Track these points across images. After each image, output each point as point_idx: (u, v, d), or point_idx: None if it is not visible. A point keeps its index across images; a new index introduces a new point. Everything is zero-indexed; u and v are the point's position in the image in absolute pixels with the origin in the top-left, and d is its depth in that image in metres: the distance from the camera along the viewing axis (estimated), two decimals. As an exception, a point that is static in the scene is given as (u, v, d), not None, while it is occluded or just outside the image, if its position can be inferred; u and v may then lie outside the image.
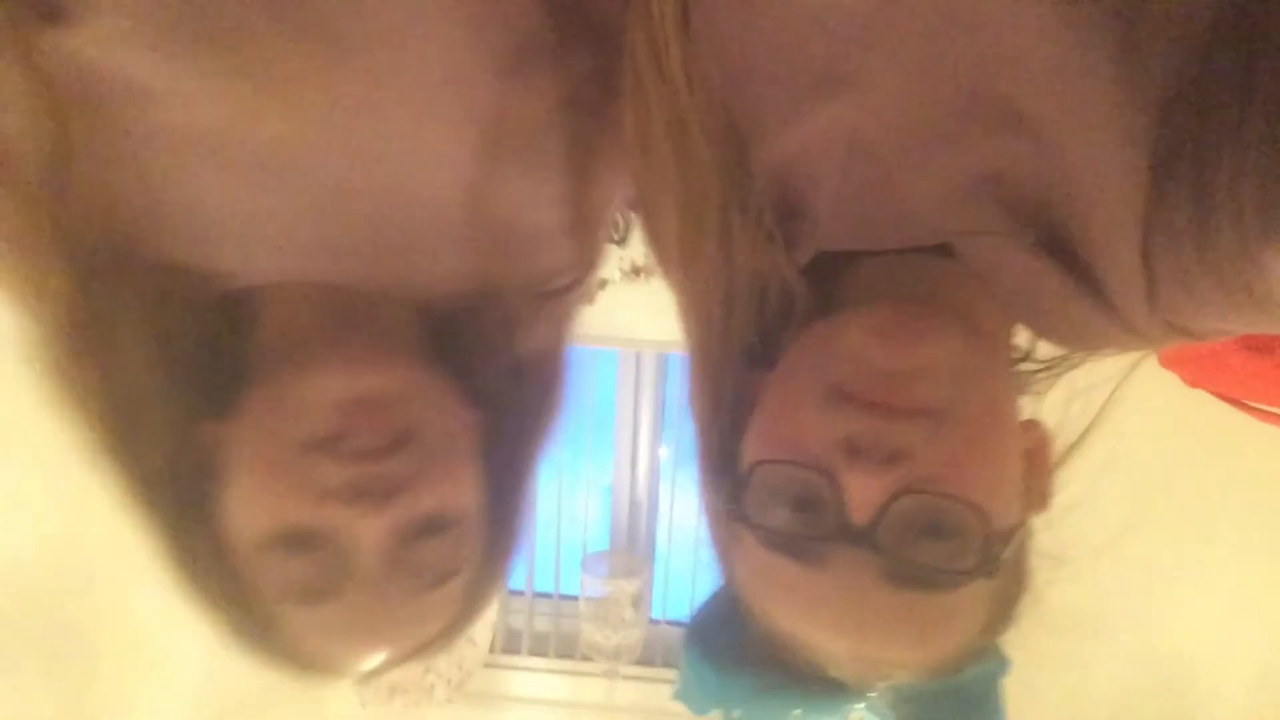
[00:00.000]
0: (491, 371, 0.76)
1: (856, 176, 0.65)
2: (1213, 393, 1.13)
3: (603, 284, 2.37)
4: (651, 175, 0.68)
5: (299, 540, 0.63)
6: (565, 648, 2.73)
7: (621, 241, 2.35)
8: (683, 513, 2.73)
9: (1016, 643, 0.67)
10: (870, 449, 0.57)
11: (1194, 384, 1.15)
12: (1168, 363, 1.15)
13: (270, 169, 0.65)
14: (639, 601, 2.52)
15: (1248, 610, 2.37)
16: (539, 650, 2.76)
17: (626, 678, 2.62)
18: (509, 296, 0.75)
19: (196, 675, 2.75)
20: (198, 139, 0.62)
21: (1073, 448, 0.69)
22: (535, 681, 2.75)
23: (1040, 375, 0.72)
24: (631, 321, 2.33)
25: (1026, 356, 0.72)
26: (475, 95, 0.67)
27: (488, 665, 2.71)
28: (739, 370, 0.70)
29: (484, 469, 0.72)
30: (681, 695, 0.75)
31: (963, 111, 0.60)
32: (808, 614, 0.61)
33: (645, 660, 2.64)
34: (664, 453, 2.76)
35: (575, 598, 2.59)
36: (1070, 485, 0.68)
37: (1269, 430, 1.15)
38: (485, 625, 2.62)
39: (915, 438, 0.57)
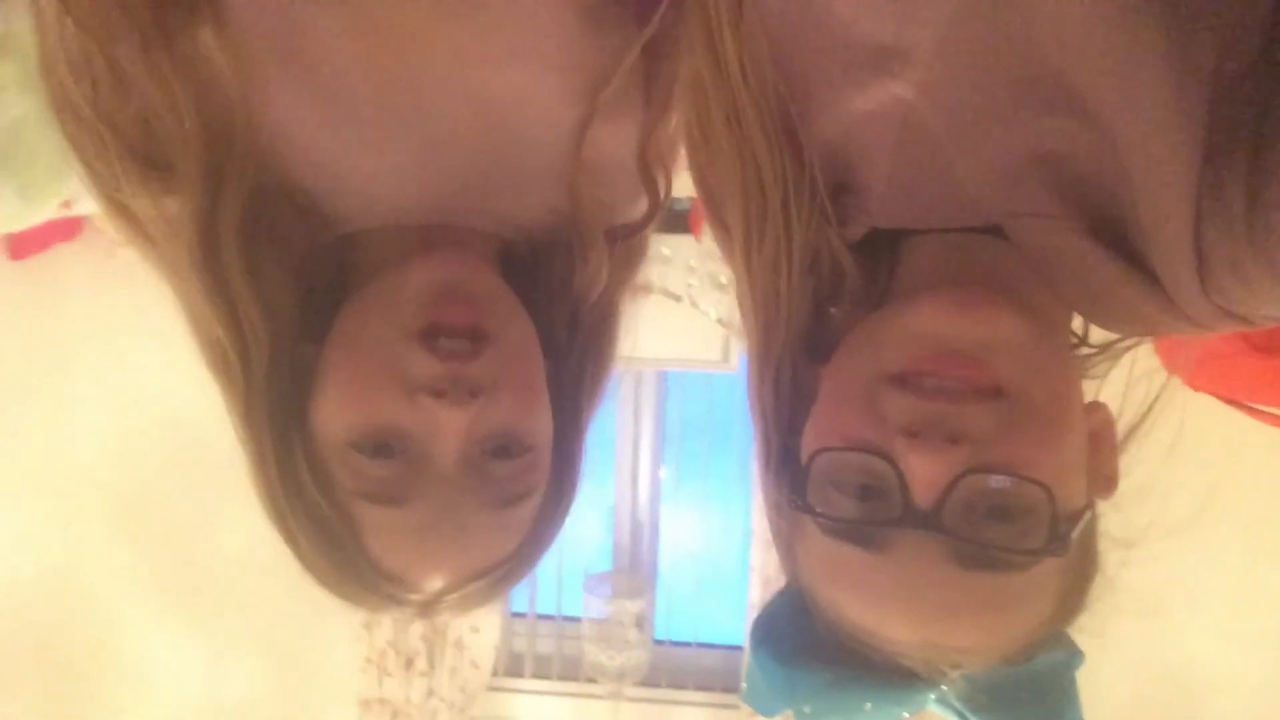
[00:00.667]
0: (555, 316, 0.79)
1: (910, 154, 0.65)
2: (1215, 395, 1.13)
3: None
4: (713, 165, 0.69)
5: (384, 439, 0.66)
6: (569, 669, 2.71)
7: (620, 260, 2.37)
8: (685, 532, 2.72)
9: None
10: (931, 430, 0.56)
11: (1195, 387, 1.15)
12: (1172, 366, 1.14)
13: (395, 120, 0.70)
14: (642, 622, 2.51)
15: (1251, 619, 2.36)
16: (542, 672, 2.74)
17: (630, 699, 2.60)
18: (585, 234, 0.77)
19: (191, 700, 2.73)
20: (334, 94, 0.68)
21: (1134, 432, 0.69)
22: (539, 704, 2.73)
23: (1096, 359, 0.71)
24: (631, 340, 2.32)
25: (1082, 340, 0.71)
26: (573, 44, 0.70)
27: (491, 688, 2.70)
28: (798, 363, 0.70)
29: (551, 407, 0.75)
30: (749, 697, 0.73)
31: (1016, 91, 0.59)
32: (875, 601, 0.61)
33: (649, 681, 2.62)
34: (665, 472, 2.75)
35: (578, 619, 2.58)
36: (1133, 471, 0.67)
37: (1271, 433, 1.14)
38: (488, 648, 2.61)
39: (978, 420, 0.57)
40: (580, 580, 2.60)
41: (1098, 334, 0.71)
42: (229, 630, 2.71)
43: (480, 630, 2.59)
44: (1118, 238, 0.60)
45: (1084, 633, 0.69)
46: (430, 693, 2.63)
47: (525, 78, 0.70)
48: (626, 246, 0.82)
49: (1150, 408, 0.67)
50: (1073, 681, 0.68)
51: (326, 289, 0.74)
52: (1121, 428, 0.68)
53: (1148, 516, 0.68)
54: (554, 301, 0.79)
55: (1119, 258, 0.60)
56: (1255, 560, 2.32)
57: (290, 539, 0.69)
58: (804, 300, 0.69)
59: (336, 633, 2.63)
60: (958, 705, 0.67)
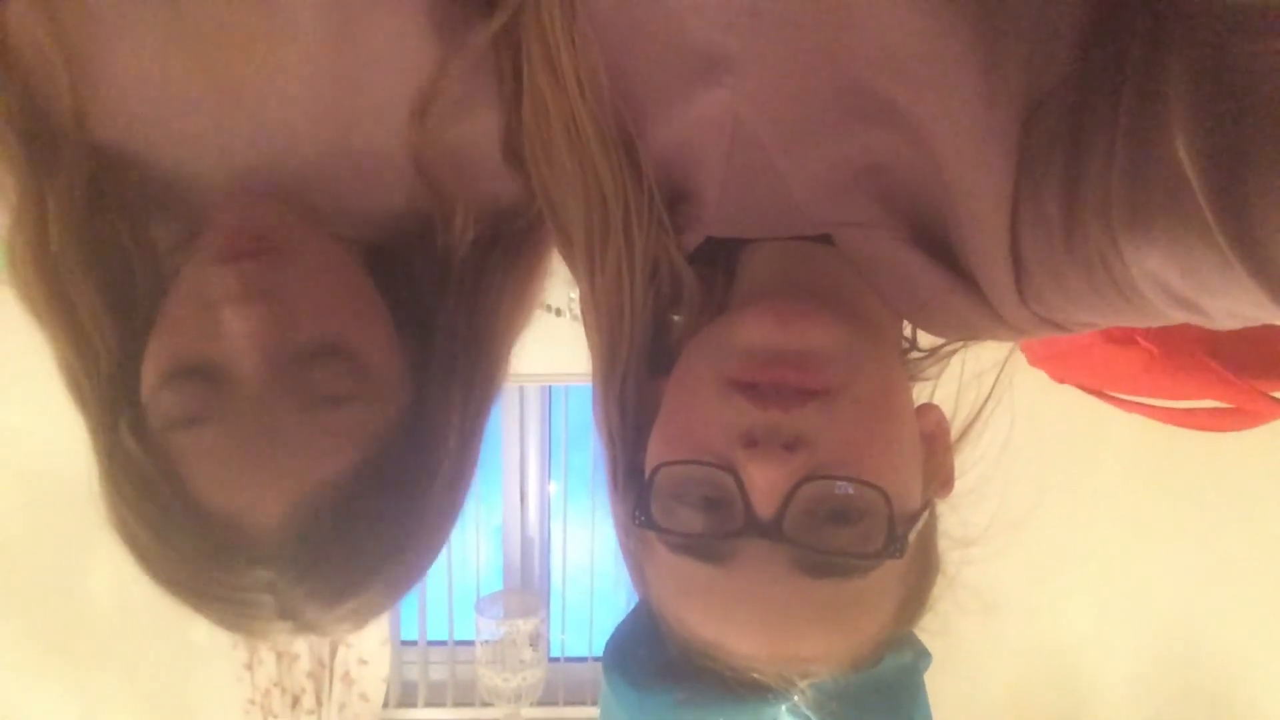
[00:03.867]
0: (416, 280, 0.76)
1: (740, 163, 0.65)
2: (1078, 386, 1.18)
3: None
4: (554, 178, 0.69)
5: (191, 366, 0.64)
6: (463, 695, 2.66)
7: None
8: (576, 547, 2.70)
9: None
10: (768, 438, 0.56)
11: (1060, 380, 1.20)
12: (1036, 361, 1.19)
13: (229, 125, 0.70)
14: (537, 640, 2.48)
15: (1125, 596, 2.48)
16: (436, 700, 2.68)
17: (528, 719, 2.56)
18: (449, 204, 0.75)
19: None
20: (166, 97, 0.67)
21: (967, 432, 0.71)
22: (434, 732, 2.67)
23: (926, 362, 0.73)
24: (515, 356, 2.30)
25: (912, 345, 0.73)
26: (414, 45, 0.68)
27: (383, 720, 2.62)
28: (641, 377, 0.70)
29: (404, 346, 0.72)
30: (604, 716, 0.73)
31: (840, 102, 0.61)
32: (722, 615, 0.61)
33: (547, 700, 2.60)
34: (554, 488, 2.73)
35: (471, 643, 2.53)
36: (970, 471, 0.69)
37: (1134, 421, 1.20)
38: (377, 680, 2.54)
39: (812, 423, 0.57)
40: (471, 603, 2.55)
41: (927, 338, 0.73)
42: (102, 681, 2.56)
43: (369, 662, 2.52)
44: (941, 247, 0.62)
45: (940, 635, 0.71)
46: (320, 730, 2.54)
47: (366, 80, 0.69)
48: (515, 242, 0.80)
49: (982, 407, 0.69)
50: (920, 683, 0.71)
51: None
52: (956, 427, 0.70)
53: (1000, 509, 0.70)
54: (418, 268, 0.77)
55: (941, 266, 0.62)
56: (1124, 544, 2.44)
57: (124, 529, 0.65)
58: (646, 313, 0.69)
59: (215, 676, 2.52)
60: (809, 715, 0.67)
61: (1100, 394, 1.18)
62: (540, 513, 2.73)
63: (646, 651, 0.68)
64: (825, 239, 0.67)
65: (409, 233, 0.77)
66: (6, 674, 2.55)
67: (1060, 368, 1.17)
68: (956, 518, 0.69)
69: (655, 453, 0.64)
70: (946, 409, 0.70)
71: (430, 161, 0.72)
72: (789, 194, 0.66)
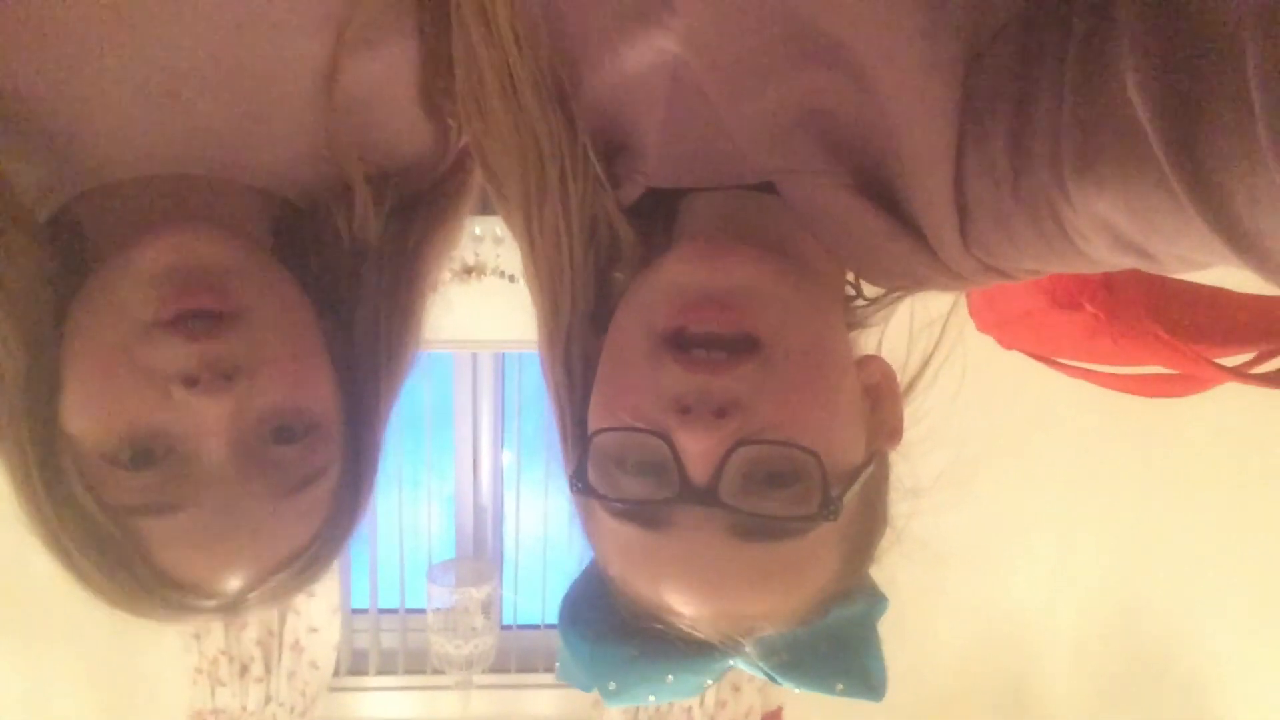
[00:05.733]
0: (332, 269, 0.73)
1: (680, 109, 0.64)
2: (1026, 353, 1.19)
3: (433, 286, 2.31)
4: (490, 137, 0.67)
5: (142, 444, 0.60)
6: (415, 663, 2.65)
7: (450, 242, 2.31)
8: (529, 516, 2.70)
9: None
10: (700, 404, 0.56)
11: (1008, 346, 1.21)
12: (984, 327, 1.19)
13: (124, 66, 0.63)
14: (489, 608, 2.47)
15: (1069, 564, 2.53)
16: (388, 668, 2.67)
17: (480, 686, 2.57)
18: (359, 187, 0.72)
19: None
20: (52, 38, 0.61)
21: (917, 381, 0.70)
22: (386, 700, 2.66)
23: (871, 310, 0.72)
24: (465, 322, 2.28)
25: (858, 294, 0.73)
26: None
27: (334, 689, 2.61)
28: (586, 337, 0.69)
29: (338, 376, 0.69)
30: (562, 674, 0.75)
31: (782, 45, 0.60)
32: (661, 579, 0.61)
33: (499, 667, 2.60)
34: (507, 456, 2.72)
35: (423, 611, 2.52)
36: (923, 421, 0.69)
37: (1080, 387, 1.21)
38: (327, 648, 2.52)
39: (744, 386, 0.57)
40: (423, 571, 2.54)
41: (872, 288, 0.73)
42: (48, 654, 2.52)
43: (319, 630, 2.50)
44: (885, 193, 0.62)
45: (888, 596, 0.71)
46: (268, 699, 2.51)
47: (267, 14, 0.65)
48: (431, 199, 0.78)
49: (930, 357, 0.69)
50: (873, 630, 0.71)
51: (70, 270, 0.66)
52: (907, 376, 0.70)
53: (950, 463, 0.70)
54: (332, 257, 0.74)
55: (885, 213, 0.62)
56: (1072, 507, 2.48)
57: (68, 561, 0.63)
58: (587, 272, 0.69)
59: (161, 645, 2.48)
60: (761, 665, 0.69)
61: (1047, 360, 1.19)
62: (493, 481, 2.72)
63: (599, 609, 0.68)
64: (768, 187, 0.66)
65: (319, 204, 0.74)
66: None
67: (1007, 334, 1.18)
68: (907, 467, 0.69)
69: (593, 418, 0.63)
70: (897, 357, 0.70)
71: (340, 110, 0.69)
72: (730, 140, 0.64)
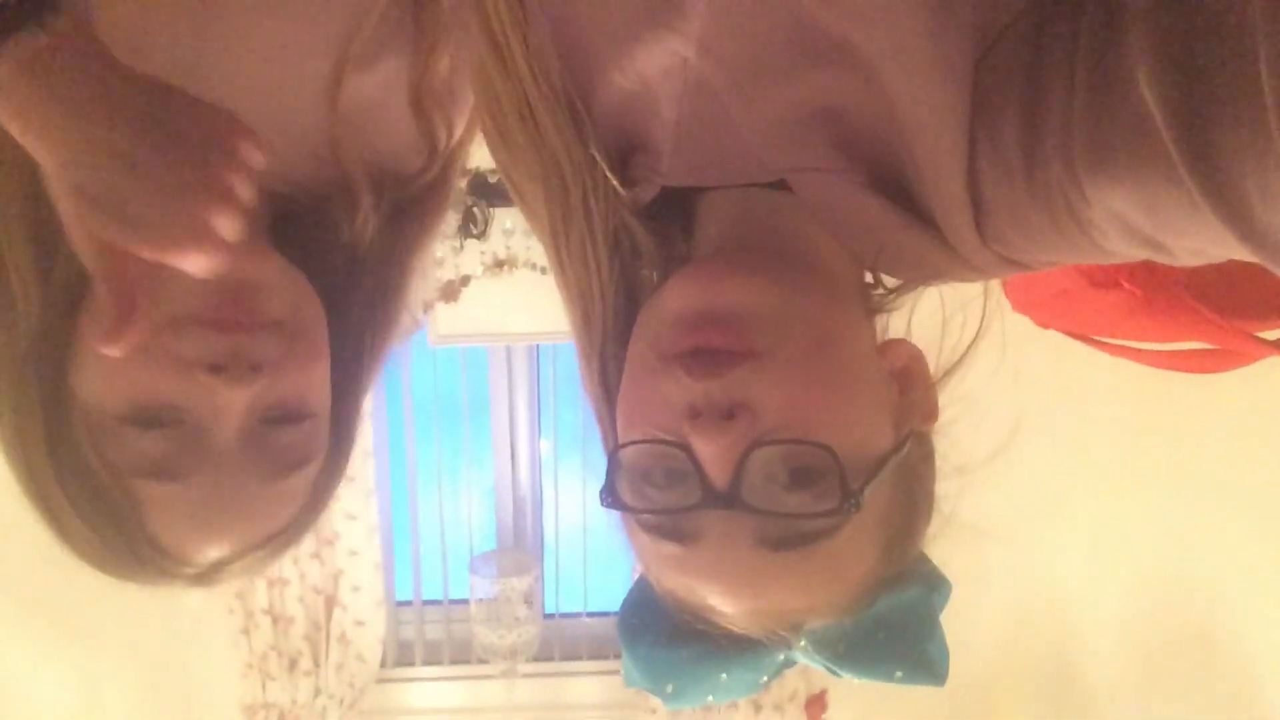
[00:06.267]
0: (331, 270, 0.76)
1: (692, 109, 0.65)
2: (1064, 331, 1.18)
3: (466, 280, 2.33)
4: (515, 162, 0.68)
5: (157, 414, 0.63)
6: (460, 653, 2.68)
7: (481, 235, 2.32)
8: (569, 504, 2.71)
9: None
10: (709, 409, 0.57)
11: (1045, 325, 1.20)
12: (1019, 307, 1.19)
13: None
14: (531, 598, 2.49)
15: (1111, 541, 2.50)
16: (433, 658, 2.70)
17: (525, 675, 2.59)
18: (362, 189, 0.75)
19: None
20: None
21: (952, 361, 0.69)
22: (431, 690, 2.69)
23: (894, 297, 0.71)
24: (498, 316, 2.30)
25: (878, 283, 0.72)
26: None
27: (381, 680, 2.65)
28: (620, 349, 0.69)
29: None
30: (628, 680, 0.76)
31: (791, 43, 0.60)
32: (699, 588, 0.62)
33: (542, 655, 2.62)
34: (545, 446, 2.74)
35: (466, 601, 2.54)
36: (960, 401, 0.69)
37: (1120, 365, 1.20)
38: (373, 640, 2.56)
39: (750, 388, 0.57)
40: (465, 562, 2.57)
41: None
42: (100, 653, 2.57)
43: (365, 623, 2.54)
44: (899, 190, 0.62)
45: (942, 566, 0.71)
46: (318, 691, 2.56)
47: (274, 27, 0.68)
48: (419, 201, 0.81)
49: (971, 338, 0.68)
50: (931, 614, 0.71)
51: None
52: (941, 356, 0.69)
53: (991, 441, 0.70)
54: (329, 255, 0.77)
55: (900, 209, 0.62)
56: (1113, 488, 2.45)
57: (51, 514, 0.67)
58: (615, 287, 0.70)
59: (211, 642, 2.53)
60: (816, 657, 0.69)
61: (1085, 339, 1.18)
62: (531, 471, 2.73)
63: (652, 616, 0.70)
64: (782, 185, 0.66)
65: (317, 208, 0.77)
66: (6, 651, 2.55)
67: (1044, 314, 1.17)
68: (949, 445, 0.69)
69: (618, 433, 0.64)
70: (930, 336, 0.69)
71: (342, 119, 0.72)
72: (742, 140, 0.65)
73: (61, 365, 0.65)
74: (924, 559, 0.70)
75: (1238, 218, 0.40)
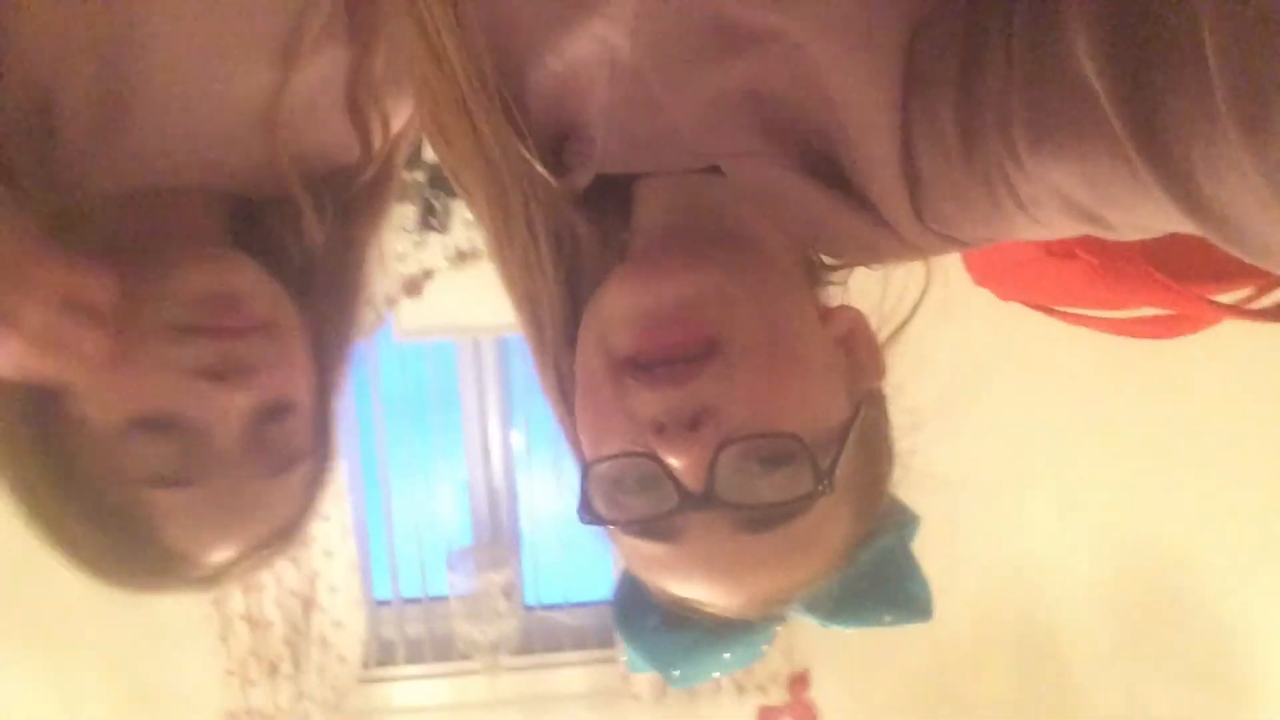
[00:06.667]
0: (287, 266, 0.78)
1: (621, 93, 0.65)
2: (1024, 304, 1.18)
3: (429, 274, 2.31)
4: (459, 163, 0.68)
5: (161, 423, 0.65)
6: (442, 650, 2.67)
7: (442, 229, 2.29)
8: (544, 494, 2.70)
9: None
10: (674, 421, 0.57)
11: (1006, 298, 1.20)
12: (981, 280, 1.19)
13: (82, 65, 0.67)
14: (510, 591, 2.49)
15: (1081, 504, 2.53)
16: (415, 657, 2.69)
17: (508, 669, 2.59)
18: (302, 198, 0.77)
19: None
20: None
21: (907, 321, 0.70)
22: (416, 689, 2.68)
23: (834, 271, 0.72)
24: (464, 308, 2.28)
25: (818, 259, 0.72)
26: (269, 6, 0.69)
27: (364, 680, 2.63)
28: (568, 354, 0.69)
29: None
30: (633, 667, 0.78)
31: (711, 32, 0.60)
32: (687, 584, 0.63)
33: (525, 648, 2.62)
34: (517, 437, 2.72)
35: (445, 598, 2.53)
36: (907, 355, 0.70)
37: (1079, 333, 1.20)
38: (354, 641, 2.54)
39: (709, 390, 0.57)
40: (443, 558, 2.56)
41: None
42: (77, 664, 2.55)
43: (345, 624, 2.52)
44: (834, 172, 0.61)
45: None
46: (300, 695, 2.54)
47: (204, 35, 0.69)
48: (363, 197, 0.82)
49: (920, 297, 0.69)
50: (907, 553, 0.72)
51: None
52: (890, 315, 0.70)
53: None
54: (285, 255, 0.79)
55: (834, 191, 0.61)
56: (1083, 453, 2.47)
57: (56, 532, 0.68)
58: (561, 290, 0.69)
59: (190, 650, 2.51)
60: (808, 616, 0.71)
61: (1046, 309, 1.18)
62: (505, 464, 2.72)
63: (646, 606, 0.70)
64: (718, 171, 0.66)
65: (267, 212, 0.78)
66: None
67: (1004, 286, 1.17)
68: (903, 402, 0.70)
69: (583, 447, 0.64)
70: (875, 297, 0.70)
71: (278, 127, 0.73)
72: (672, 125, 0.64)
73: (53, 391, 0.66)
74: (890, 499, 0.71)
75: (1181, 189, 0.40)
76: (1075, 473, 2.49)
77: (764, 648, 0.75)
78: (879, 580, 0.70)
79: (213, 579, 0.73)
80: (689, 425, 0.56)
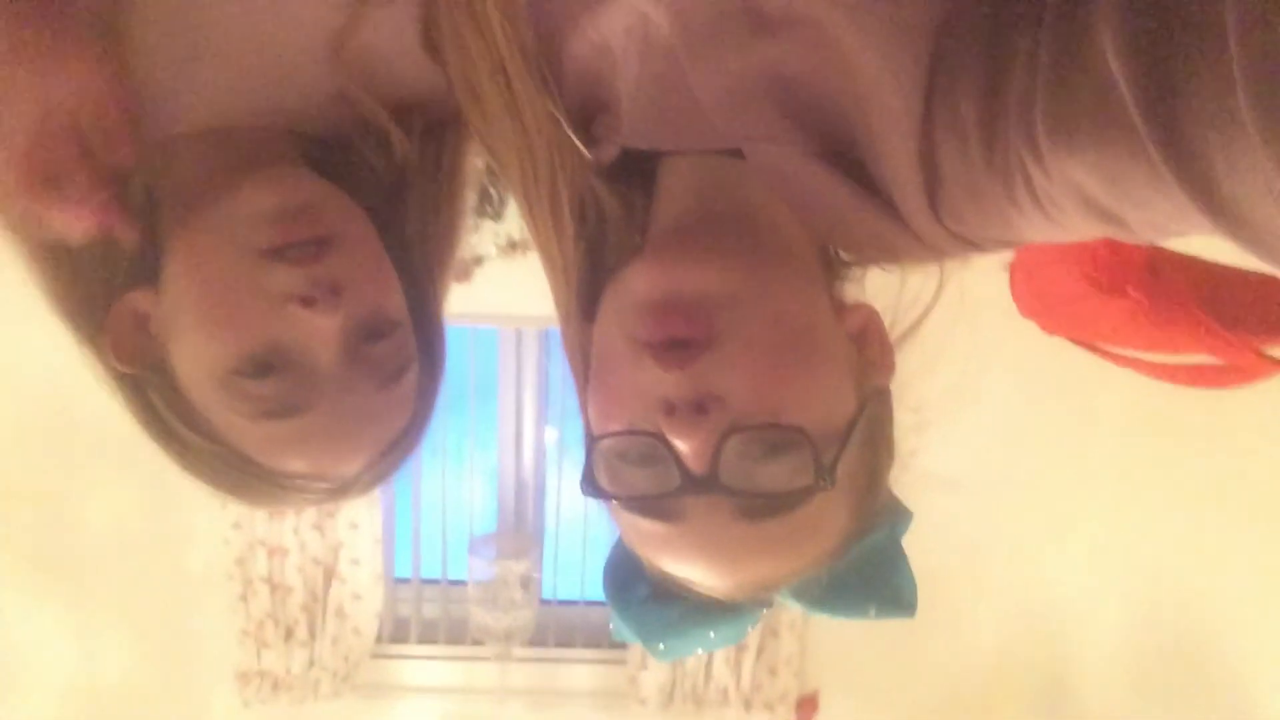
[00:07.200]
0: (377, 190, 0.80)
1: (652, 69, 0.65)
2: (1069, 339, 1.16)
3: (479, 261, 2.33)
4: (488, 126, 0.69)
5: (266, 358, 0.68)
6: (455, 633, 2.69)
7: (497, 216, 2.32)
8: (572, 491, 2.71)
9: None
10: (682, 404, 0.57)
11: (1051, 331, 1.18)
12: (1026, 312, 1.17)
13: (189, 24, 0.71)
14: (528, 582, 2.50)
15: (1111, 554, 2.49)
16: (428, 637, 2.72)
17: (519, 659, 2.60)
18: (388, 125, 0.78)
19: (66, 681, 2.62)
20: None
21: (909, 327, 0.70)
22: (425, 669, 2.71)
23: (851, 266, 0.72)
24: (510, 298, 2.29)
25: (837, 255, 0.72)
26: None
27: (375, 655, 2.66)
28: (586, 318, 0.70)
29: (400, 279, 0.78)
30: (617, 634, 0.79)
31: (743, 8, 0.61)
32: (682, 564, 0.63)
33: (537, 641, 2.63)
34: (551, 434, 2.73)
35: (464, 582, 2.55)
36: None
37: (1126, 376, 1.19)
38: (370, 615, 2.57)
39: (719, 376, 0.58)
40: (465, 543, 2.57)
41: None
42: (99, 609, 2.61)
43: (363, 597, 2.55)
44: (853, 163, 0.62)
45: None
46: (312, 663, 2.58)
47: None
48: (459, 120, 0.81)
49: (934, 296, 0.68)
50: (897, 549, 0.73)
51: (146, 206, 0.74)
52: (905, 315, 0.70)
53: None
54: (376, 179, 0.80)
55: (853, 182, 0.62)
56: (1115, 500, 2.44)
57: (195, 469, 0.73)
58: (581, 257, 0.71)
59: (210, 606, 2.55)
60: (796, 603, 0.71)
61: (1091, 347, 1.16)
62: (535, 456, 2.74)
63: (637, 577, 0.71)
64: (739, 154, 0.67)
65: (349, 140, 0.79)
66: (5, 602, 2.58)
67: (1050, 319, 1.15)
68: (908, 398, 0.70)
69: (593, 419, 0.65)
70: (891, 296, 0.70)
71: (350, 83, 0.75)
72: (698, 105, 0.65)
73: (157, 358, 0.71)
74: (887, 495, 0.72)
75: (1201, 189, 0.40)
76: (1108, 522, 2.45)
77: (748, 629, 0.77)
78: (868, 574, 0.71)
79: (341, 490, 0.78)
80: (697, 409, 0.57)
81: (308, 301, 0.66)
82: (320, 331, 0.68)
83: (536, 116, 0.66)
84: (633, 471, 0.61)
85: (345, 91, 0.75)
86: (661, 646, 0.75)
